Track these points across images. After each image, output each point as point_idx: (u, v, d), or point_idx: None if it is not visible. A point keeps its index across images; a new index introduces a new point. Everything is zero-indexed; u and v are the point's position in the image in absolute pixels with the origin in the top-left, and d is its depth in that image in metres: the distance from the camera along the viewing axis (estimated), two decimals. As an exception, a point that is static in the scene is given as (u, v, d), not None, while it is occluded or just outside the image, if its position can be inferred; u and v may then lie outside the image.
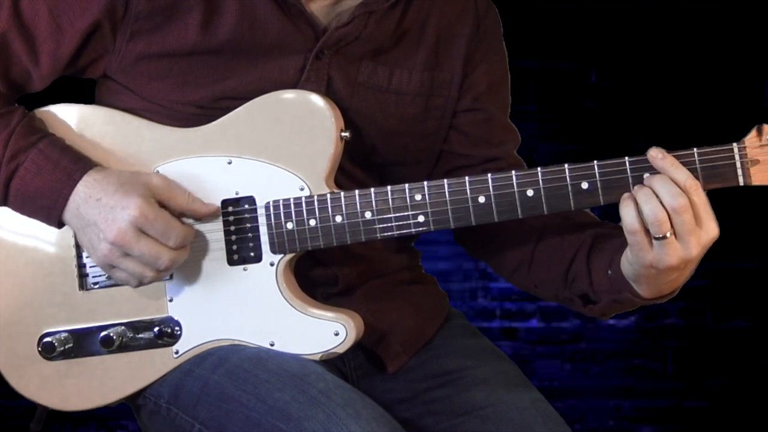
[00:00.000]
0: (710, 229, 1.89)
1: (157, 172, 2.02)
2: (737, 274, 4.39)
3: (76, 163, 1.98)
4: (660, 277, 1.92)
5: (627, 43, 4.38)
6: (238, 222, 2.02)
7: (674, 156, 1.88)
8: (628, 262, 1.94)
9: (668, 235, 1.85)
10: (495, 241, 2.21)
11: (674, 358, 4.48)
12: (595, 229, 2.10)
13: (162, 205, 1.97)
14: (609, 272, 2.00)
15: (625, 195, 1.88)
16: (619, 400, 4.47)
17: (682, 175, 1.87)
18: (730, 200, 4.21)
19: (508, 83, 2.30)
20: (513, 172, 1.93)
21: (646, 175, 1.89)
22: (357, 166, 2.10)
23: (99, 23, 1.99)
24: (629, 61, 4.40)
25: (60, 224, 2.00)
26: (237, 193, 2.02)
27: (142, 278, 1.97)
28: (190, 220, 2.01)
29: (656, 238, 1.86)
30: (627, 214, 1.87)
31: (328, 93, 2.05)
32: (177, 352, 2.04)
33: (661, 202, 1.85)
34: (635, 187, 1.88)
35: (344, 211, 1.99)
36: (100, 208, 1.94)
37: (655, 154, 1.88)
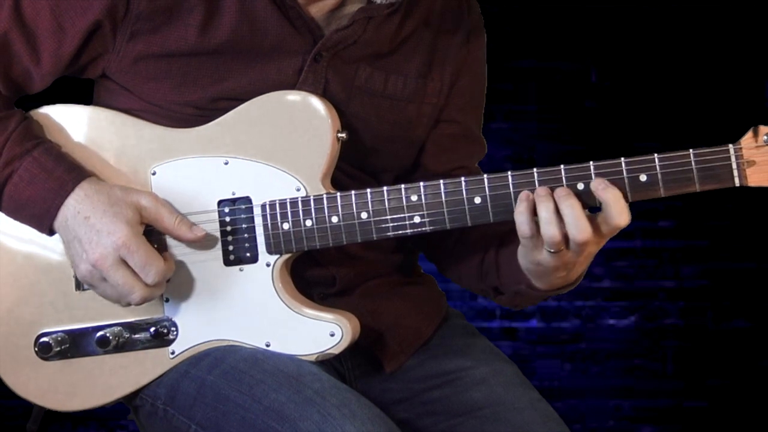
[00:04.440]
0: (602, 241, 1.92)
1: (155, 173, 2.03)
2: (737, 274, 4.39)
3: (69, 173, 1.98)
4: (548, 274, 1.96)
5: (627, 43, 4.38)
6: (235, 222, 2.02)
7: (670, 156, 1.89)
8: (521, 255, 1.98)
9: (561, 249, 1.89)
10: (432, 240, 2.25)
11: (674, 358, 4.48)
12: (508, 225, 2.12)
13: (150, 225, 1.99)
14: (512, 265, 2.03)
15: (523, 197, 1.90)
16: (619, 400, 4.46)
17: (618, 213, 1.89)
18: (730, 200, 4.23)
19: (484, 96, 2.32)
20: (509, 172, 1.93)
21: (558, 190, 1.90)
22: (353, 168, 2.11)
23: (100, 23, 1.99)
24: (629, 61, 4.39)
25: (51, 232, 2.01)
26: (233, 194, 2.02)
27: (117, 302, 2.00)
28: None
29: (549, 251, 1.90)
30: (521, 222, 1.91)
31: (325, 95, 2.05)
32: (173, 353, 2.04)
33: (561, 225, 1.87)
34: (537, 199, 1.90)
35: (340, 212, 1.99)
36: (87, 228, 1.95)
37: (599, 185, 1.89)
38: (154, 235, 2.01)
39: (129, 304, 1.99)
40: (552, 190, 1.90)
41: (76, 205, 1.96)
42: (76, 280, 2.06)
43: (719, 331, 4.44)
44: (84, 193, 1.97)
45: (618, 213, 1.88)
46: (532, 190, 1.91)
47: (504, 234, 2.10)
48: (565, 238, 1.88)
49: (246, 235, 2.02)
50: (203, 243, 2.02)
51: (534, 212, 1.89)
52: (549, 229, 1.88)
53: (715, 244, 4.35)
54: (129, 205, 1.97)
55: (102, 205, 1.96)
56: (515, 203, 1.93)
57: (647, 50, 4.38)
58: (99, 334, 2.04)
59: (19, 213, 2.01)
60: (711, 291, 4.42)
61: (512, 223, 1.96)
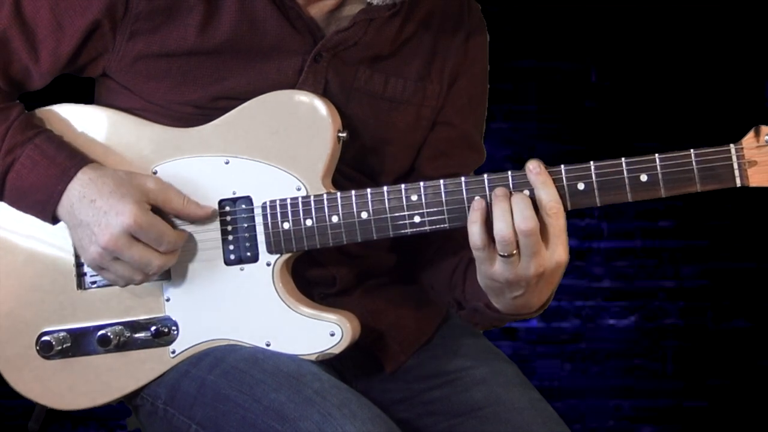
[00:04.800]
0: (557, 254, 1.89)
1: (155, 172, 2.03)
2: (737, 274, 4.39)
3: (71, 159, 1.98)
4: (505, 292, 1.94)
5: (627, 43, 4.38)
6: (235, 222, 2.02)
7: (671, 156, 1.89)
8: (477, 270, 1.95)
9: (514, 253, 1.87)
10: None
11: (674, 358, 4.47)
12: None
13: (157, 208, 1.98)
14: (477, 281, 2.00)
15: (476, 205, 1.89)
16: (619, 400, 4.46)
17: (547, 195, 1.88)
18: (730, 200, 4.23)
19: (486, 101, 2.30)
20: (509, 172, 1.93)
21: (526, 190, 1.90)
22: (351, 170, 2.10)
23: (99, 22, 1.99)
24: (629, 61, 4.39)
25: (54, 220, 2.01)
26: (234, 193, 2.02)
27: (131, 281, 1.99)
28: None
29: (502, 256, 1.87)
30: (474, 232, 1.89)
31: (324, 96, 2.05)
32: (174, 352, 2.04)
33: (512, 222, 1.86)
34: (494, 199, 1.89)
35: (340, 212, 1.99)
36: (94, 211, 1.94)
37: (532, 168, 1.89)
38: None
39: (142, 281, 1.99)
40: (510, 193, 1.89)
41: (81, 189, 1.96)
42: (78, 279, 2.06)
43: (719, 331, 4.44)
44: (88, 177, 1.97)
45: (549, 197, 1.87)
46: (490, 195, 1.91)
47: None
48: (517, 242, 1.86)
49: (246, 234, 2.02)
50: (204, 242, 2.02)
51: (487, 221, 1.88)
52: (500, 225, 1.86)
53: (715, 244, 4.35)
54: (135, 186, 1.97)
55: (107, 187, 1.96)
56: None
57: (647, 50, 4.37)
58: (100, 333, 2.04)
59: (22, 201, 2.01)
60: (711, 291, 4.41)
61: None
